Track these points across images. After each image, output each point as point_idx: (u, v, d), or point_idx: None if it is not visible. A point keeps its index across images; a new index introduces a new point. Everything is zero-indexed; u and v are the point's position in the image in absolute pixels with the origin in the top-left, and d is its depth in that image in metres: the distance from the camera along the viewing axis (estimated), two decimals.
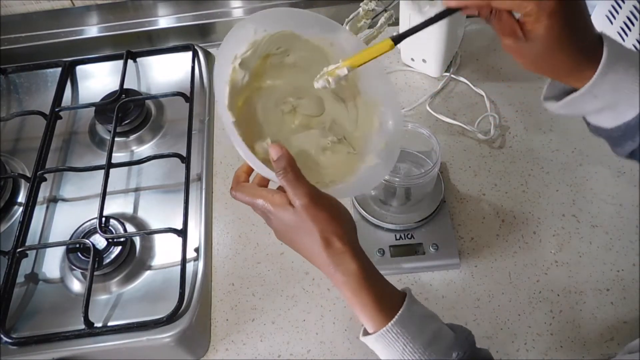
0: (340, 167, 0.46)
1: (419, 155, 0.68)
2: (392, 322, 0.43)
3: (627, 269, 0.65)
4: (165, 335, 0.61)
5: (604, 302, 0.63)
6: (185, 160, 0.74)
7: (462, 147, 0.77)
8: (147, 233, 0.70)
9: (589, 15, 0.44)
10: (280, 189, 0.47)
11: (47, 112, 0.80)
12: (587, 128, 0.50)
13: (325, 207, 0.45)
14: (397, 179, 0.62)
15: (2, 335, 0.61)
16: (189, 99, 0.80)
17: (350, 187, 0.53)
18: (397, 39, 0.48)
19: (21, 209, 0.72)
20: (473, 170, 0.74)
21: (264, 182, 0.51)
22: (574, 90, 0.45)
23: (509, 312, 0.63)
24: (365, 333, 0.45)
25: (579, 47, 0.43)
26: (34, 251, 0.70)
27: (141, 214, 0.73)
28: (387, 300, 0.44)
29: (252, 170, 0.51)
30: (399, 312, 0.43)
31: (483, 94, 0.80)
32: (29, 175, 0.74)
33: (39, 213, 0.73)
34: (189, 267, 0.66)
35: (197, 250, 0.68)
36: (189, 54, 0.86)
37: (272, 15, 0.52)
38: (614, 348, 0.60)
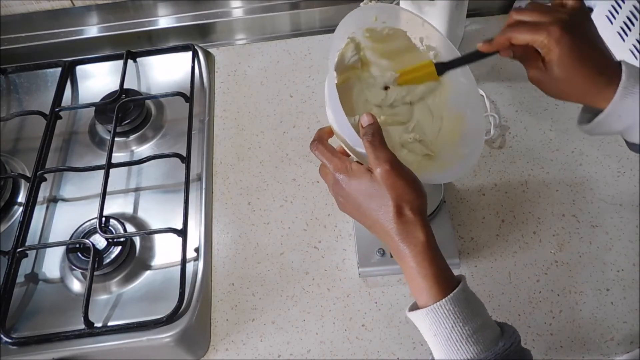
0: (414, 166, 0.47)
1: None
2: (447, 297, 0.43)
3: (627, 269, 0.65)
4: (165, 335, 0.61)
5: (604, 302, 0.63)
6: (185, 160, 0.74)
7: None
8: (147, 233, 0.70)
9: (600, 38, 0.48)
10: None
11: (47, 112, 0.80)
12: (626, 145, 0.52)
13: (403, 176, 0.46)
14: None
15: (2, 335, 0.61)
16: (189, 99, 0.80)
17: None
18: (441, 70, 0.52)
19: (21, 209, 0.72)
20: (473, 170, 0.74)
21: (343, 153, 0.52)
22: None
23: (509, 312, 0.63)
24: (413, 309, 0.45)
25: (593, 70, 0.46)
26: (34, 251, 0.70)
27: (141, 214, 0.73)
28: (445, 279, 0.44)
29: (332, 136, 0.53)
30: (455, 290, 0.43)
31: (483, 94, 0.80)
32: (29, 175, 0.74)
33: (39, 213, 0.73)
34: (189, 267, 0.67)
35: (197, 250, 0.68)
36: (189, 54, 0.86)
37: (395, 11, 0.53)
38: (614, 348, 0.60)
